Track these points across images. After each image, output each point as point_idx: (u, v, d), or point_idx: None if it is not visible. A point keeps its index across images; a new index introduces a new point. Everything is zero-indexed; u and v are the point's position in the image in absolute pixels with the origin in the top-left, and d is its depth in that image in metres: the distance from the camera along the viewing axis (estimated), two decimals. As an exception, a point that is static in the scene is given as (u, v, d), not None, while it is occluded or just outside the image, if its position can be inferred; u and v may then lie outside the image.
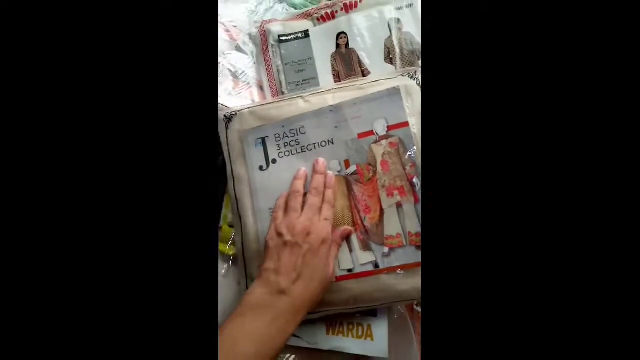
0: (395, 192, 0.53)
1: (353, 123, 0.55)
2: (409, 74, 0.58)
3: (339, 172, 0.55)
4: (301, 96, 0.60)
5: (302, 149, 0.56)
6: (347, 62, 0.67)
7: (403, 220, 0.52)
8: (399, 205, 0.53)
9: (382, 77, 0.58)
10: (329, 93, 0.59)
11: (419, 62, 0.65)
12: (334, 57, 0.68)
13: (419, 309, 0.63)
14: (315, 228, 0.47)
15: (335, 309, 0.54)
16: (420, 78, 0.58)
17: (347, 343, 0.58)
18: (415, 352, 0.61)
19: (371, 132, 0.55)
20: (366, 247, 0.54)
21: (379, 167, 0.54)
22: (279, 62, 0.68)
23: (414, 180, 0.53)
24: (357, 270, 0.53)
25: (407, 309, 0.62)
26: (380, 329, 0.58)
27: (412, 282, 0.53)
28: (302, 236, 0.46)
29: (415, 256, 0.52)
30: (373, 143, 0.54)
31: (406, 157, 0.54)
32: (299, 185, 0.51)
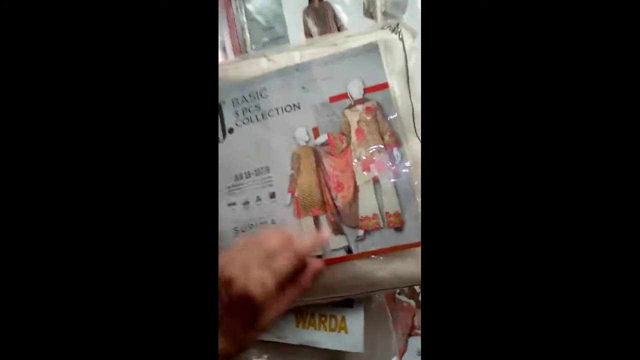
0: (372, 165, 0.47)
1: (323, 84, 0.48)
2: (389, 26, 0.49)
3: (306, 142, 0.49)
4: (264, 55, 0.52)
5: (262, 116, 0.50)
6: (320, 18, 0.58)
7: (380, 199, 0.47)
8: (375, 181, 0.47)
9: (358, 32, 0.50)
10: (296, 50, 0.52)
11: (404, 16, 0.56)
12: (306, 12, 0.59)
13: (402, 297, 0.57)
14: (244, 279, 0.34)
15: (305, 300, 0.49)
16: (403, 33, 0.49)
17: (319, 337, 0.53)
18: (394, 346, 0.54)
19: (345, 95, 0.48)
20: (338, 230, 0.48)
21: (354, 137, 0.48)
22: (243, 19, 0.60)
23: (394, 151, 0.47)
24: (328, 256, 0.47)
25: (387, 299, 0.56)
26: (356, 321, 0.52)
27: (391, 269, 0.47)
28: (223, 284, 0.34)
29: (393, 239, 0.46)
30: (347, 108, 0.48)
31: (385, 124, 0.47)
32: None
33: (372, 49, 0.48)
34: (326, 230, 0.47)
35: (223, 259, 0.34)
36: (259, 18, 0.61)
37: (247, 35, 0.60)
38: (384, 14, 0.57)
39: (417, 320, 0.60)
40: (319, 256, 0.47)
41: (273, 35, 0.60)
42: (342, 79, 0.48)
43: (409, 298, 0.61)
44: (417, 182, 0.46)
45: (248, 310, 0.34)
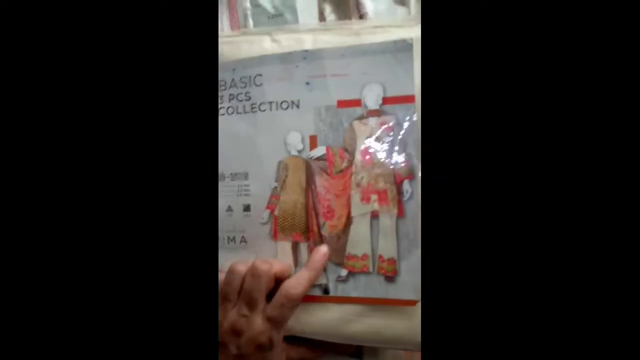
0: (374, 196, 0.39)
1: (333, 82, 0.39)
2: (430, 24, 0.38)
3: (299, 151, 0.41)
4: (269, 32, 0.43)
5: (252, 108, 0.41)
6: (340, 4, 0.47)
7: (375, 238, 0.39)
8: (374, 216, 0.39)
9: (388, 23, 0.41)
10: (308, 34, 0.42)
11: None
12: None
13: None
14: (249, 328, 0.36)
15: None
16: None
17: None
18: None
19: (357, 102, 0.39)
20: None
21: (358, 156, 0.39)
22: (247, 4, 0.49)
23: (405, 185, 0.38)
24: (301, 291, 0.39)
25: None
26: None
27: (371, 323, 0.40)
28: (229, 336, 0.37)
29: (381, 289, 0.39)
30: (357, 119, 0.40)
31: (400, 148, 0.39)
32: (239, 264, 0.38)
33: (403, 48, 0.38)
34: (322, 248, 0.40)
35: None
36: (265, 3, 0.49)
37: (250, 22, 0.49)
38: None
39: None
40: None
41: (281, 23, 0.49)
42: (358, 80, 0.39)
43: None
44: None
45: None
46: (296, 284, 0.37)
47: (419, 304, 0.38)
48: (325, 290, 0.40)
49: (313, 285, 0.40)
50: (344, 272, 0.40)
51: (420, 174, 0.39)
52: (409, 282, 0.38)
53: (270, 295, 0.38)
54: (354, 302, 0.39)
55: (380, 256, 0.39)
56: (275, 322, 0.37)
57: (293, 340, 0.40)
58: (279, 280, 0.39)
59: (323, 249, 0.39)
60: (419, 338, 0.33)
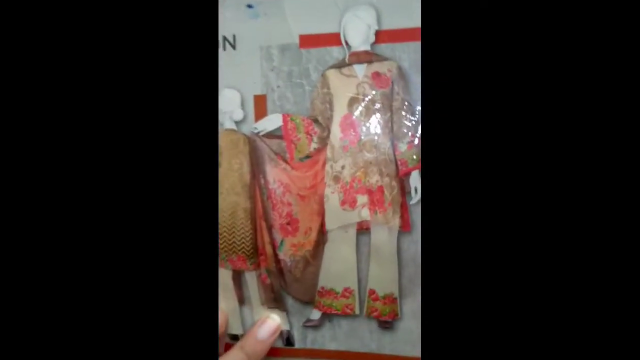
0: (363, 197, 0.28)
1: (293, 4, 0.28)
2: None
3: (237, 122, 0.30)
4: None
5: None
6: None
7: (365, 264, 0.29)
8: (362, 230, 0.29)
9: None
10: None
11: None
12: None
13: None
14: None
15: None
16: None
17: None
18: None
19: (334, 38, 0.28)
20: (273, 300, 0.31)
21: (336, 132, 0.29)
22: None
23: (412, 179, 0.28)
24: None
25: None
26: None
27: None
28: None
29: (372, 341, 0.29)
30: (334, 68, 0.29)
31: (406, 117, 0.28)
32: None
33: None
34: (270, 324, 0.28)
35: None
36: None
37: None
38: None
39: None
40: (234, 337, 0.31)
41: None
42: (335, 0, 0.28)
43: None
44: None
45: None
46: None
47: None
48: (288, 341, 0.31)
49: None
50: (315, 315, 0.30)
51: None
52: (417, 330, 0.29)
53: None
54: (330, 357, 0.31)
55: (372, 291, 0.29)
56: None
57: None
58: None
59: (271, 324, 0.27)
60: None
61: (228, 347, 0.30)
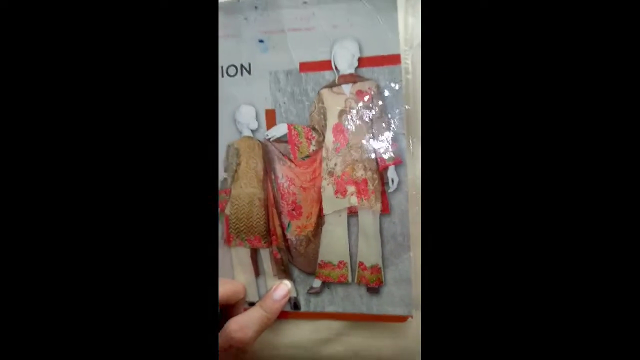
0: (351, 187, 0.32)
1: (294, 38, 0.32)
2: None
3: (252, 131, 0.34)
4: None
5: None
6: None
7: (355, 241, 0.33)
8: (352, 213, 0.33)
9: None
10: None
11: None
12: None
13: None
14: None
15: None
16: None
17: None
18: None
19: (326, 64, 0.32)
20: (282, 272, 0.34)
21: (329, 137, 0.33)
22: None
23: (390, 171, 0.32)
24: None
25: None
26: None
27: (351, 344, 0.33)
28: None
29: (362, 303, 0.33)
30: (326, 87, 0.33)
31: (384, 124, 0.31)
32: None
33: (385, -5, 0.31)
34: (283, 288, 0.33)
35: None
36: None
37: None
38: None
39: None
40: (252, 304, 0.34)
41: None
42: (326, 35, 0.32)
43: None
44: (418, 226, 0.31)
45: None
46: (243, 326, 0.29)
47: (412, 320, 0.31)
48: (295, 305, 0.34)
49: (278, 299, 0.33)
50: (316, 283, 0.34)
51: (407, 159, 0.31)
52: (398, 293, 0.32)
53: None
54: (329, 318, 0.34)
55: (361, 263, 0.33)
56: None
57: None
58: (226, 307, 0.31)
59: (283, 287, 0.32)
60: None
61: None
